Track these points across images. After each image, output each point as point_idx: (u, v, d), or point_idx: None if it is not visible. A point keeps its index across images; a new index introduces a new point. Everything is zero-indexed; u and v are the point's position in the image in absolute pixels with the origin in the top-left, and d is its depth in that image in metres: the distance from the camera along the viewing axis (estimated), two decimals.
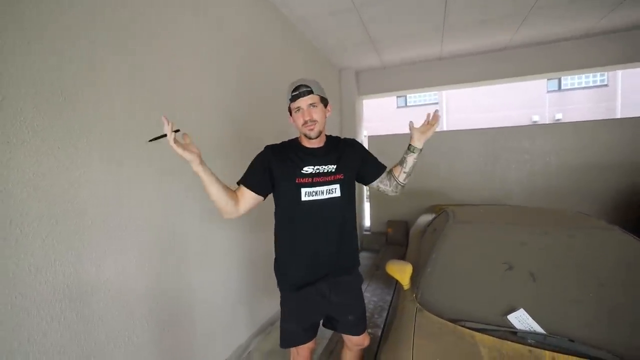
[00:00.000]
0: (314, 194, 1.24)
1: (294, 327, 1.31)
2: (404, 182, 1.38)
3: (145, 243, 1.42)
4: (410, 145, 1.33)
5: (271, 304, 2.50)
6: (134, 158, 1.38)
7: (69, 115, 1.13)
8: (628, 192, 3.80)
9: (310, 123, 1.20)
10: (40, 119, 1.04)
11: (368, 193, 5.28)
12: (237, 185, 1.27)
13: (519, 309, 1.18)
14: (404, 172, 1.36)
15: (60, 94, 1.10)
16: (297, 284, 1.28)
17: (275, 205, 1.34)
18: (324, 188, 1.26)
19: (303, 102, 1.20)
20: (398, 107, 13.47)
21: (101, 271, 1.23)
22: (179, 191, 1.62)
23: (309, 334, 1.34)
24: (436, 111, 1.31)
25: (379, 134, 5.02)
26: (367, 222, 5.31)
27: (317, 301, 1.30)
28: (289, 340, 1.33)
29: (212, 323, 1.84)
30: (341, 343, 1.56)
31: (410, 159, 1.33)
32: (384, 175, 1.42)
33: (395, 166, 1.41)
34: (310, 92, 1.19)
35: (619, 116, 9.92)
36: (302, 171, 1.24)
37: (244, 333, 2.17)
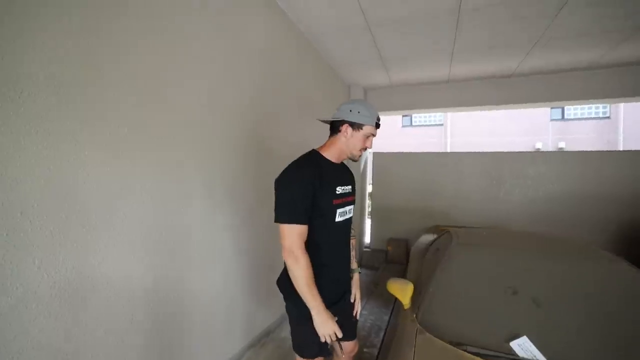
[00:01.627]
0: (343, 214, 1.26)
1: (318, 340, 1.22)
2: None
3: (148, 241, 1.42)
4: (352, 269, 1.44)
5: (268, 314, 2.46)
6: (142, 156, 1.38)
7: (77, 111, 1.13)
8: (629, 226, 3.79)
9: (364, 151, 1.27)
10: (47, 112, 1.04)
11: (369, 209, 5.28)
12: (290, 224, 1.11)
13: (522, 336, 1.16)
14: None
15: (64, 88, 1.09)
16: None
17: None
18: (347, 208, 1.29)
19: (376, 133, 1.25)
20: (403, 126, 13.63)
21: (103, 268, 1.22)
22: (184, 190, 1.63)
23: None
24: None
25: (383, 151, 5.06)
26: (367, 239, 5.27)
27: (340, 315, 1.24)
28: (322, 351, 1.25)
29: (208, 329, 1.81)
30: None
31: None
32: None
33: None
34: None
35: (620, 148, 9.98)
36: (336, 192, 1.21)
37: (239, 342, 2.12)
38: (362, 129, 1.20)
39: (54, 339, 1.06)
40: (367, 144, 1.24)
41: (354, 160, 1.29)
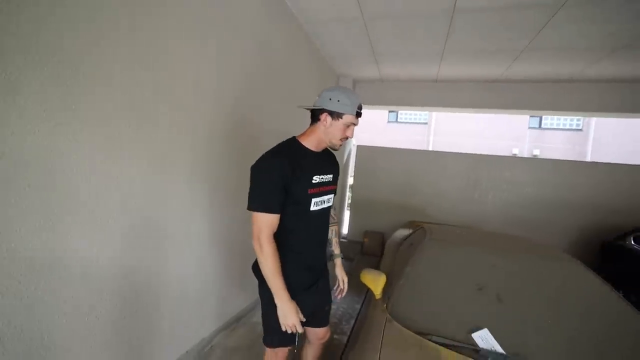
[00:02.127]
0: (320, 203, 1.24)
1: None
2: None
3: (123, 222, 1.38)
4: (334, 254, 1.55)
5: (240, 300, 2.47)
6: (127, 143, 1.35)
7: (77, 111, 1.12)
8: (592, 232, 4.07)
9: (345, 140, 1.24)
10: (47, 112, 1.03)
11: (349, 201, 5.34)
12: (259, 212, 1.11)
13: (483, 329, 1.23)
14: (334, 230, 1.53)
15: (64, 88, 1.07)
16: (294, 291, 1.20)
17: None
18: (325, 197, 1.28)
19: (357, 122, 1.21)
20: (389, 121, 13.74)
21: (73, 244, 1.17)
22: (165, 176, 1.58)
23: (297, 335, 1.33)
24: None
25: (367, 144, 5.10)
26: (344, 230, 5.35)
27: (310, 302, 1.27)
28: (285, 340, 1.25)
29: (179, 312, 1.78)
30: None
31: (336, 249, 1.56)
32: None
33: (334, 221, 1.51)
34: None
35: (588, 159, 10.63)
36: (313, 181, 1.20)
37: (210, 326, 2.12)
38: (341, 118, 1.16)
39: (11, 313, 1.01)
40: (348, 133, 1.21)
41: (335, 149, 1.27)
